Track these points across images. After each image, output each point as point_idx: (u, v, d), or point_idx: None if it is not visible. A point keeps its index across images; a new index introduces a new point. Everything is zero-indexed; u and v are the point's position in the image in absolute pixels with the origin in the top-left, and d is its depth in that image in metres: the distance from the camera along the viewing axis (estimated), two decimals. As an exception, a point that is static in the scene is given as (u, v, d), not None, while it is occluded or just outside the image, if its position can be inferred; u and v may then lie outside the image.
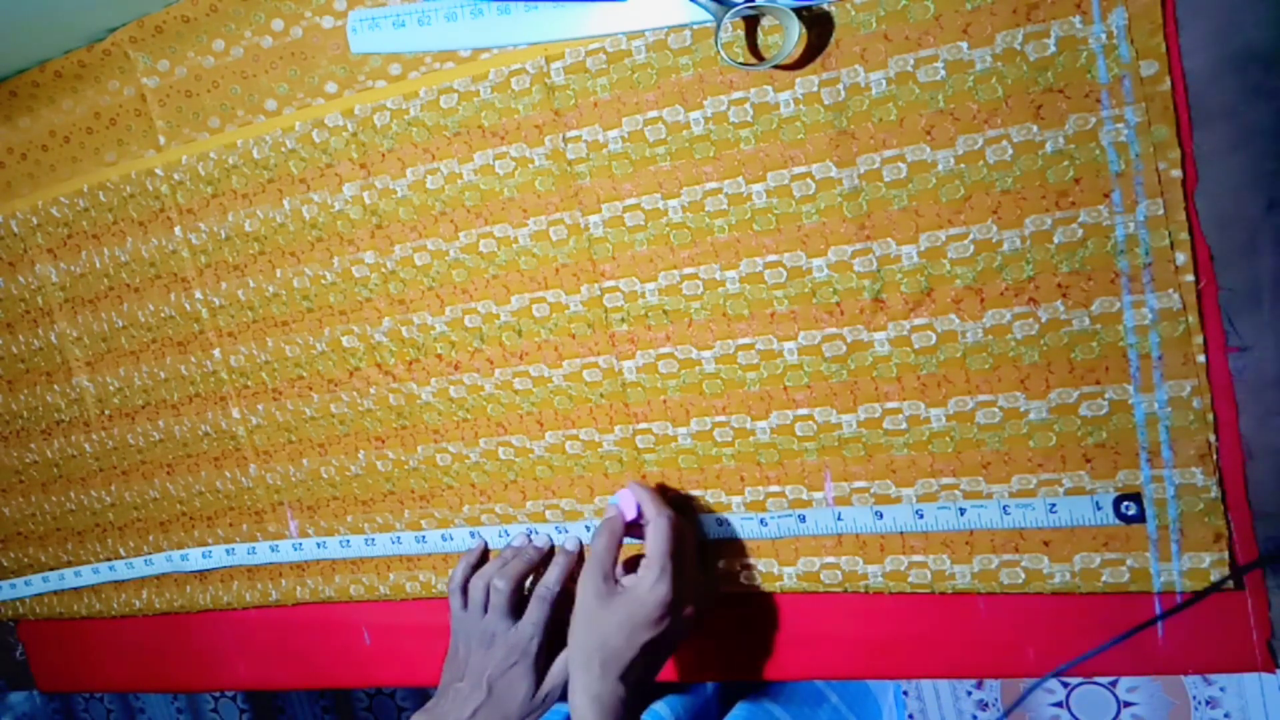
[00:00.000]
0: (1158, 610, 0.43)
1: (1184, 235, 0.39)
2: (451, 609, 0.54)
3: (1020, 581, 0.45)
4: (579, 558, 0.54)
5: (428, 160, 0.52)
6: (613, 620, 0.45)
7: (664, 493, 0.51)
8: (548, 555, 0.54)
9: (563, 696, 0.51)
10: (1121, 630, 0.43)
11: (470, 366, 0.54)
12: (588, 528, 0.54)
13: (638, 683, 0.46)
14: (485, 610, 0.53)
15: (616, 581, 0.47)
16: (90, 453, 0.67)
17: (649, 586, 0.45)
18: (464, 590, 0.54)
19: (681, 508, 0.50)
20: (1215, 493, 0.41)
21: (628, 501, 0.49)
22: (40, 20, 0.55)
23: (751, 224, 0.46)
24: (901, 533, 0.46)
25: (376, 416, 0.57)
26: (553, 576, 0.53)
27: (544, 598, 0.52)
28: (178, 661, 0.70)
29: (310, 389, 0.59)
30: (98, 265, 0.62)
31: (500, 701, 0.50)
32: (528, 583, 0.54)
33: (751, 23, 0.44)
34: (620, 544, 0.49)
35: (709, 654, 0.53)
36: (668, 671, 0.55)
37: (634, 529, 0.49)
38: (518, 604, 0.53)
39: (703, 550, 0.51)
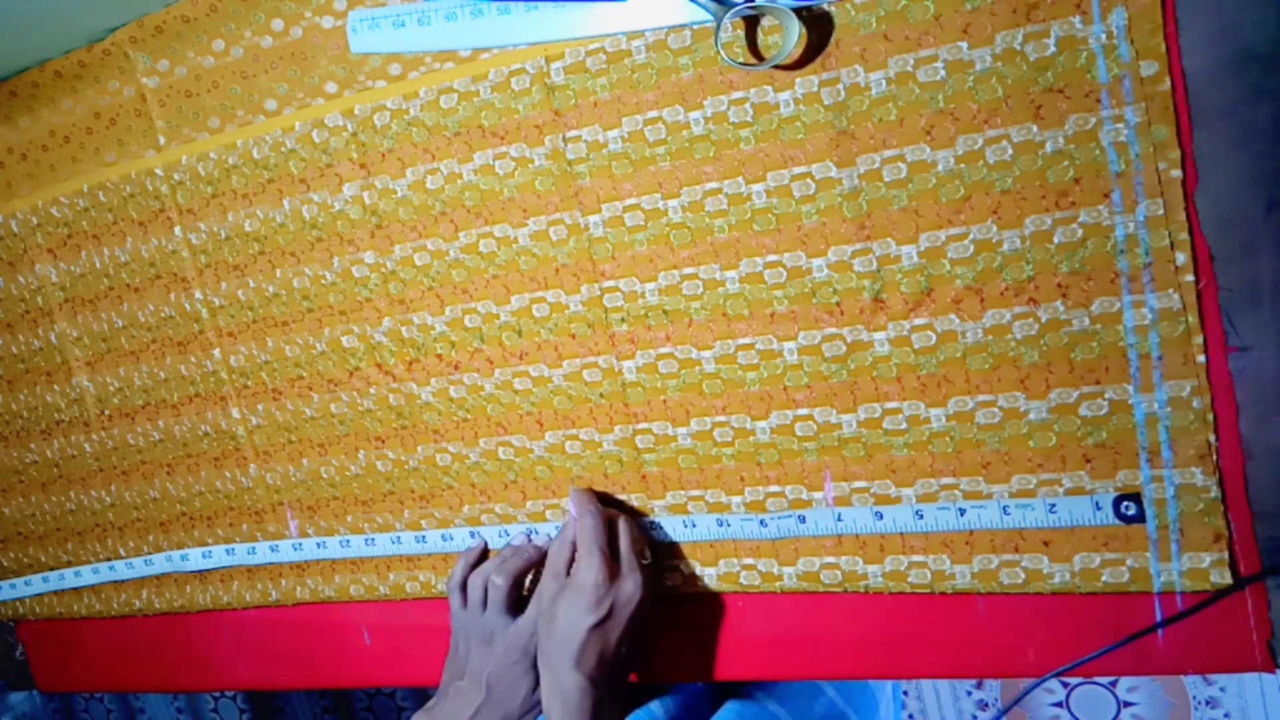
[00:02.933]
0: (1157, 610, 0.43)
1: (1184, 235, 0.39)
2: (451, 607, 0.54)
3: (1020, 581, 0.45)
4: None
5: (428, 160, 0.52)
6: (561, 614, 0.47)
7: (601, 498, 0.52)
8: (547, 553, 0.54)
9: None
10: (1121, 630, 0.43)
11: (470, 366, 0.54)
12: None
13: (599, 672, 0.47)
14: (484, 608, 0.53)
15: (568, 576, 0.49)
16: (90, 453, 0.67)
17: (582, 572, 0.48)
18: (463, 588, 0.54)
19: (616, 506, 0.52)
20: (1215, 493, 0.41)
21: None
22: (40, 20, 0.55)
23: (751, 224, 0.46)
24: (901, 533, 0.46)
25: (376, 416, 0.57)
26: None
27: None
28: (178, 661, 0.70)
29: (310, 389, 0.59)
30: (98, 265, 0.62)
31: (500, 699, 0.51)
32: (527, 581, 0.54)
33: (751, 23, 0.44)
34: (573, 546, 0.50)
35: (708, 655, 0.53)
36: (667, 674, 0.55)
37: None
38: (517, 601, 0.53)
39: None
